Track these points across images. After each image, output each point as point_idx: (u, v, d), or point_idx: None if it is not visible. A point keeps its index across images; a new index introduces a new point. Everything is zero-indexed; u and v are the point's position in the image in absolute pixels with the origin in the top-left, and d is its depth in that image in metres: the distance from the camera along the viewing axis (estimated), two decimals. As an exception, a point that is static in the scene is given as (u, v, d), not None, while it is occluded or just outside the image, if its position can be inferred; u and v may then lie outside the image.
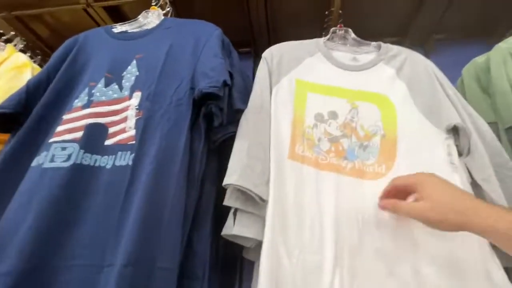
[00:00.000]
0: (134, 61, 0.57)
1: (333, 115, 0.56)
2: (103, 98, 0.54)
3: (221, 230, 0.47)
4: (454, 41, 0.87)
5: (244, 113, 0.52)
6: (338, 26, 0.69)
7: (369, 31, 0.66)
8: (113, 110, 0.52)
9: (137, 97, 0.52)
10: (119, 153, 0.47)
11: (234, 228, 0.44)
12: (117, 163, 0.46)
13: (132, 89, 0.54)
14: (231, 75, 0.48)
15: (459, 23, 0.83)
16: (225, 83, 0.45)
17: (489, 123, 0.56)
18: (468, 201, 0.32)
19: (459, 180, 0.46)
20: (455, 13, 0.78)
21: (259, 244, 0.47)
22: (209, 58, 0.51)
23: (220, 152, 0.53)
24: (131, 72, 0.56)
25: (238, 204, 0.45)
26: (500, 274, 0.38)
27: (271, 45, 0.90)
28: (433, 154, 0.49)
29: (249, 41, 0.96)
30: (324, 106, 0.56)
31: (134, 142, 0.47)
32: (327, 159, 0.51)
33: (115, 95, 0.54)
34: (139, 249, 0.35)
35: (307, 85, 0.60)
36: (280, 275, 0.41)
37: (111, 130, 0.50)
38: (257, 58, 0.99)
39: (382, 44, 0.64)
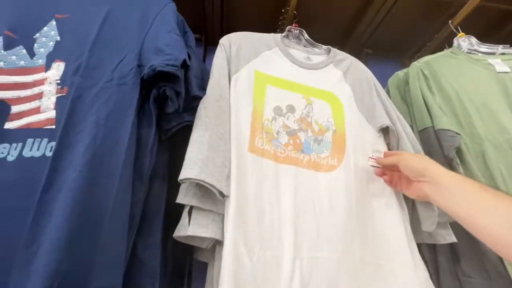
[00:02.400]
0: (54, 22, 0.44)
1: (291, 109, 0.57)
2: (1, 64, 0.39)
3: (170, 232, 0.41)
4: (379, 56, 1.02)
5: (202, 101, 0.47)
6: (294, 25, 0.71)
7: (313, 37, 0.70)
8: (19, 82, 0.39)
9: (58, 68, 0.40)
10: (29, 140, 0.35)
11: (189, 228, 0.39)
12: (26, 154, 0.34)
13: (51, 58, 0.41)
14: (188, 56, 0.42)
15: (383, 43, 0.99)
16: (184, 63, 0.39)
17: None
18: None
19: None
20: (380, 35, 0.92)
21: (214, 245, 0.44)
22: (162, 32, 0.43)
23: (172, 144, 0.46)
24: (49, 36, 0.43)
25: (194, 202, 0.40)
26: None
27: (223, 34, 0.86)
28: (372, 149, 0.56)
29: (200, 28, 0.89)
30: (282, 100, 0.57)
31: (53, 126, 0.36)
32: (285, 152, 0.51)
33: (22, 63, 0.40)
34: (65, 266, 0.26)
35: (267, 78, 0.59)
36: (240, 275, 0.38)
37: (15, 109, 0.37)
38: (208, 46, 0.93)
39: (331, 48, 0.69)
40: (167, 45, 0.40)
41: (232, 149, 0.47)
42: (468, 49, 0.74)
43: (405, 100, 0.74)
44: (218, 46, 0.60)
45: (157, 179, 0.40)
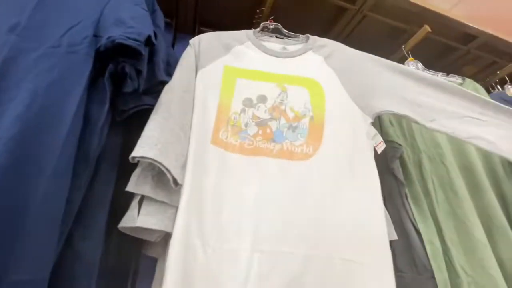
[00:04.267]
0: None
1: (262, 98, 0.55)
2: None
3: (115, 224, 0.37)
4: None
5: (168, 88, 0.45)
6: (269, 21, 0.72)
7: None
8: None
9: (-13, 22, 0.33)
10: None
11: (138, 219, 0.36)
12: None
13: (-21, 8, 0.34)
14: (155, 35, 0.39)
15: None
16: (149, 40, 0.36)
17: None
18: None
19: (374, 165, 0.53)
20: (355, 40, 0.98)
21: (164, 239, 0.42)
22: (127, 4, 0.40)
23: (127, 128, 0.42)
24: (-20, -18, 0.36)
25: (147, 191, 0.38)
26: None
27: (196, 22, 0.82)
28: (357, 137, 0.53)
29: (171, 12, 0.84)
30: (253, 91, 0.55)
31: (-26, 90, 0.30)
32: (253, 144, 0.50)
33: None
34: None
35: (236, 71, 0.58)
36: (192, 268, 0.37)
37: None
38: (178, 32, 0.88)
39: (310, 36, 0.67)
40: (132, 18, 0.37)
41: (191, 140, 0.45)
42: (417, 73, 0.84)
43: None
44: (188, 46, 0.59)
45: (105, 164, 0.36)
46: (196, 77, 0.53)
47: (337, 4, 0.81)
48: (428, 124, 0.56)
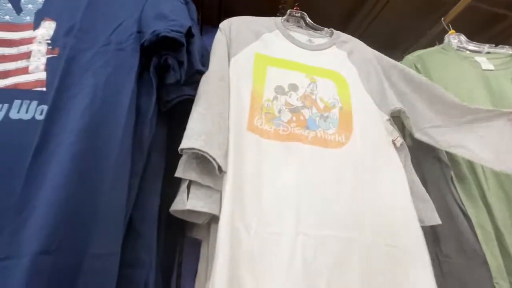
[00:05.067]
0: (43, -23, 0.40)
1: (294, 87, 0.56)
2: (-19, 17, 0.36)
3: (163, 207, 0.40)
4: (374, 48, 1.04)
5: (205, 78, 0.46)
6: (295, 8, 0.70)
7: (315, 21, 0.70)
8: (4, 39, 0.35)
9: (49, 28, 0.37)
10: (16, 101, 0.32)
11: (188, 202, 0.38)
12: (13, 116, 0.31)
13: (40, 16, 0.38)
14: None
15: (378, 36, 1.00)
16: (189, 31, 0.37)
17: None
18: None
19: (396, 155, 0.54)
20: (375, 29, 0.93)
21: (208, 222, 0.44)
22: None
23: (171, 118, 0.45)
24: (37, -8, 0.39)
25: (194, 176, 0.40)
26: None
27: (221, 15, 0.82)
28: (378, 130, 0.56)
29: (197, 6, 0.85)
30: (284, 79, 0.56)
31: (44, 89, 0.33)
32: (288, 130, 0.51)
33: (8, 18, 0.36)
34: (62, 230, 0.25)
35: (267, 59, 0.58)
36: (237, 250, 0.39)
37: (0, 67, 0.34)
38: (204, 25, 0.90)
39: (334, 30, 0.68)
40: (172, 11, 0.38)
41: (230, 128, 0.46)
42: (458, 46, 0.77)
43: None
44: (218, 30, 0.60)
45: (155, 152, 0.39)
46: (229, 64, 0.53)
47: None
48: (417, 134, 0.59)
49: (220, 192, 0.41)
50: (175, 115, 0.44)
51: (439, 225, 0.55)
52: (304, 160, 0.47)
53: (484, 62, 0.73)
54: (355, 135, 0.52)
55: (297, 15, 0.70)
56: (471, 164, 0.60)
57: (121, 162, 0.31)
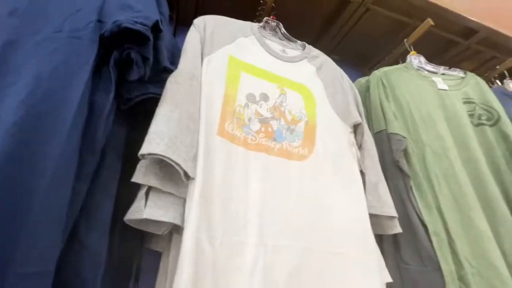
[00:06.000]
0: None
1: (265, 97, 0.56)
2: None
3: (119, 216, 0.36)
4: (344, 63, 1.09)
5: (173, 76, 0.43)
6: (271, 17, 0.71)
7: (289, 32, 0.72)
8: None
9: (-13, 6, 0.32)
10: None
11: (146, 210, 0.35)
12: None
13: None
14: (160, 21, 0.38)
15: (349, 51, 1.06)
16: (156, 25, 0.35)
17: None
18: None
19: (356, 165, 0.57)
20: (347, 44, 0.99)
21: (170, 232, 0.41)
22: (131, -11, 0.38)
23: (131, 117, 0.41)
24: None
25: (154, 182, 0.37)
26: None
27: (197, 15, 0.81)
28: (340, 143, 0.59)
29: (172, 5, 0.82)
30: (256, 88, 0.56)
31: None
32: (256, 140, 0.50)
33: None
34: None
35: (241, 64, 0.57)
36: (200, 261, 0.36)
37: None
38: (178, 26, 0.87)
39: (306, 44, 0.71)
40: (138, 2, 0.35)
41: (201, 130, 0.44)
42: (418, 66, 0.84)
43: (365, 104, 0.80)
44: (192, 26, 0.58)
45: (111, 153, 0.35)
46: (202, 63, 0.52)
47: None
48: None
49: (183, 199, 0.39)
50: (138, 115, 0.41)
51: (400, 233, 0.58)
52: (269, 171, 0.47)
53: (440, 83, 0.80)
54: (317, 149, 0.55)
55: (273, 23, 0.71)
56: (427, 175, 0.64)
57: (64, 164, 0.27)
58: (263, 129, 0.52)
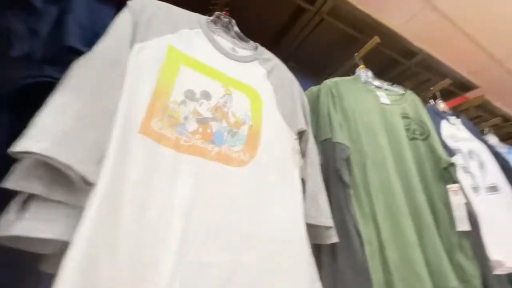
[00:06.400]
0: None
1: (206, 95, 0.51)
2: None
3: None
4: (301, 71, 1.11)
5: (85, 59, 0.36)
6: (224, 12, 0.67)
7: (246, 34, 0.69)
8: None
9: None
10: None
11: (18, 225, 0.27)
12: None
13: None
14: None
15: (306, 60, 1.08)
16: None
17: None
18: None
19: (297, 173, 0.56)
20: (304, 52, 1.00)
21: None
22: None
23: (18, 106, 0.32)
24: None
25: (37, 188, 0.29)
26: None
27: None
28: (284, 149, 0.57)
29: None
30: (197, 84, 0.51)
31: None
32: (191, 141, 0.45)
33: None
34: None
35: (182, 57, 0.52)
36: (94, 282, 0.29)
37: None
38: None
39: (259, 45, 0.68)
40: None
41: (116, 127, 0.37)
42: (365, 80, 0.88)
43: (314, 112, 0.80)
44: (125, 7, 0.50)
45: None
46: (130, 50, 0.45)
47: (295, 3, 0.80)
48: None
49: (78, 208, 0.31)
50: (31, 104, 0.32)
51: (337, 242, 0.58)
52: (202, 177, 0.43)
53: (383, 97, 0.85)
54: (259, 155, 0.51)
55: (225, 19, 0.66)
56: (367, 184, 0.67)
57: None
58: (200, 130, 0.47)
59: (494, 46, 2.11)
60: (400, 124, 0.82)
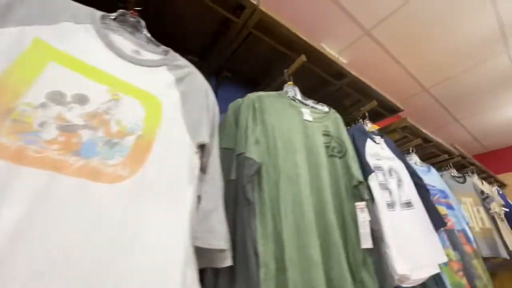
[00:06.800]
0: None
1: (82, 99, 0.44)
2: None
3: None
4: (237, 81, 1.10)
5: None
6: (131, 12, 0.62)
7: (172, 43, 0.64)
8: None
9: None
10: None
11: None
12: None
13: None
14: None
15: (240, 71, 1.07)
16: None
17: (228, 149, 0.71)
18: None
19: (192, 191, 0.51)
20: (236, 62, 1.00)
21: None
22: None
23: None
24: None
25: None
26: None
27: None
28: (180, 163, 0.51)
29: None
30: (71, 86, 0.44)
31: None
32: (44, 152, 0.38)
33: None
34: None
35: (54, 52, 0.45)
36: None
37: None
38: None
39: (171, 51, 0.64)
40: None
41: None
42: (292, 96, 0.90)
43: (236, 124, 0.78)
44: None
45: None
46: None
47: (221, 13, 0.79)
48: None
49: None
50: None
51: (236, 265, 0.54)
52: (47, 195, 0.35)
53: (307, 114, 0.87)
54: (146, 170, 0.45)
55: (132, 19, 0.61)
56: (277, 201, 0.65)
57: None
58: (61, 139, 0.40)
59: (422, 75, 2.41)
60: (320, 141, 0.84)
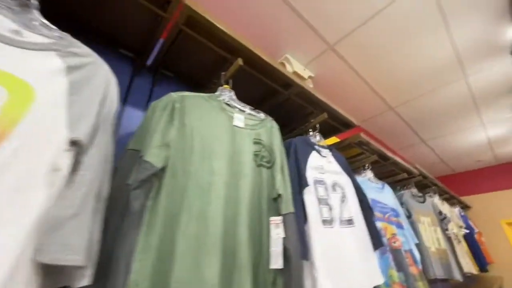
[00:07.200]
0: None
1: None
2: None
3: None
4: (179, 82, 1.05)
5: None
6: (25, -9, 0.55)
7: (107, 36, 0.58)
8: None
9: None
10: None
11: None
12: None
13: None
14: None
15: (181, 71, 1.02)
16: None
17: (136, 150, 0.64)
18: None
19: (47, 194, 0.43)
20: (174, 61, 0.95)
21: None
22: None
23: None
24: None
25: None
26: None
27: None
28: (41, 161, 0.44)
29: None
30: None
31: None
32: None
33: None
34: None
35: None
36: None
37: None
38: None
39: (65, 37, 0.57)
40: None
41: None
42: (227, 100, 0.85)
43: (150, 123, 0.72)
44: None
45: None
46: None
47: (148, 7, 0.74)
48: None
49: None
50: None
51: (105, 284, 0.46)
52: None
53: (238, 119, 0.82)
54: None
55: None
56: (179, 210, 0.58)
57: None
58: None
59: (388, 94, 2.47)
60: (249, 149, 0.79)
